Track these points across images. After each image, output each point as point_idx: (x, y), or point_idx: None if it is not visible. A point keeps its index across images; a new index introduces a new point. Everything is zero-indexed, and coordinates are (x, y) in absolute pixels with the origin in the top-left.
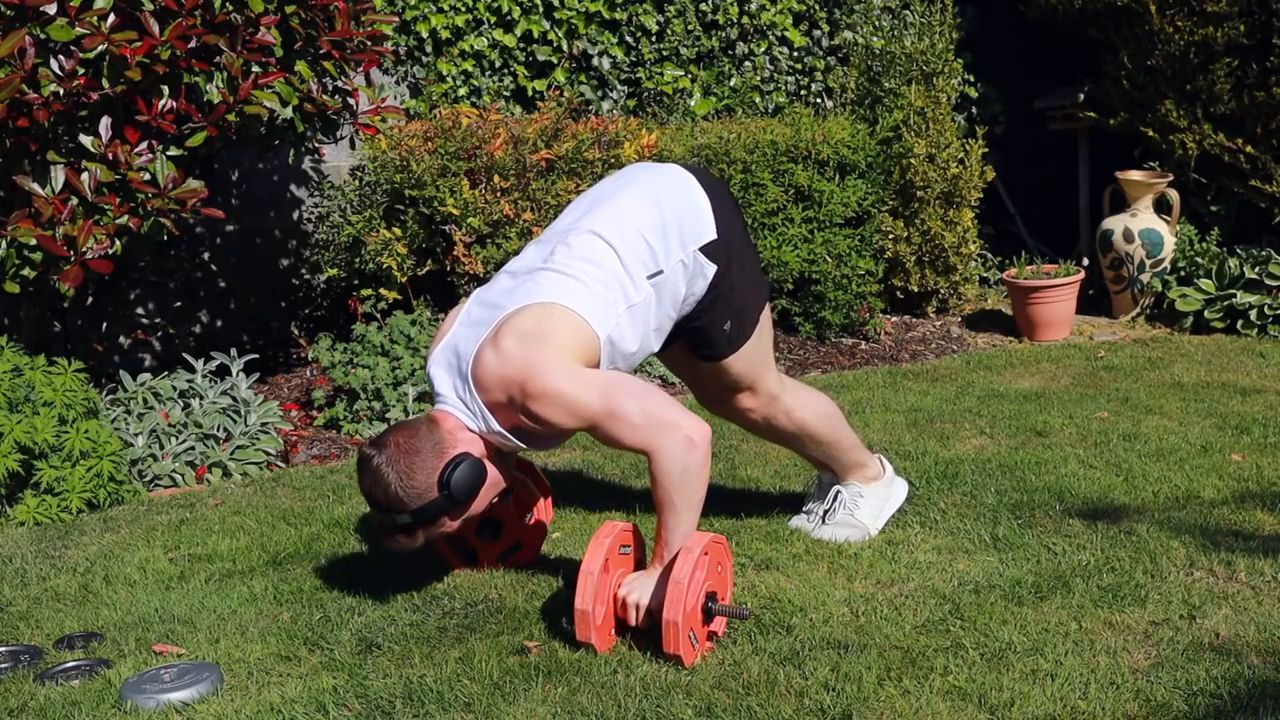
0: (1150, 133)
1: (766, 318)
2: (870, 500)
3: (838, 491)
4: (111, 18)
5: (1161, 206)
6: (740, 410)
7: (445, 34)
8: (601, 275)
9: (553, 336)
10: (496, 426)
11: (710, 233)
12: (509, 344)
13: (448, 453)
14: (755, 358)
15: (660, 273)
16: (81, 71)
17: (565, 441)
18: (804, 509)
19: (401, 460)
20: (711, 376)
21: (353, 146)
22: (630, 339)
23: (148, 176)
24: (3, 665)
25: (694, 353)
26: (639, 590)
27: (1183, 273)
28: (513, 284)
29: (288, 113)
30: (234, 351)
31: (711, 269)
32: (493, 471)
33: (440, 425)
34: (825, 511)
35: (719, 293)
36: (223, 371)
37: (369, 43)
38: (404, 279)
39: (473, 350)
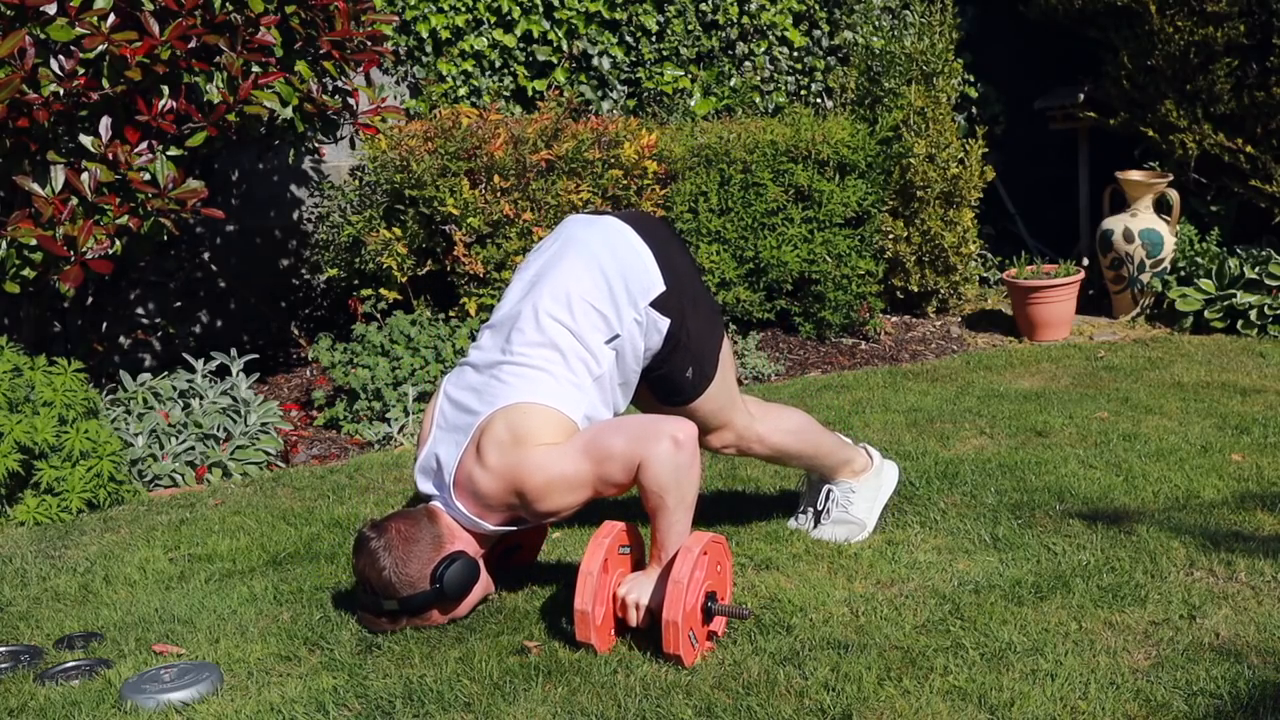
0: (1150, 133)
1: (726, 352)
2: (863, 494)
3: (829, 490)
4: (111, 18)
5: (1161, 206)
6: (715, 447)
7: (445, 34)
8: (562, 359)
9: (529, 436)
10: (490, 528)
11: (658, 285)
12: (493, 459)
13: (445, 547)
14: (721, 396)
15: (618, 336)
16: (81, 71)
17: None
18: (799, 510)
19: (399, 547)
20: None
21: (353, 146)
22: (603, 408)
23: (148, 176)
24: (3, 665)
25: (660, 400)
26: (638, 590)
27: (1183, 273)
28: (480, 381)
29: (288, 113)
30: (234, 351)
31: (665, 322)
32: (485, 577)
33: (439, 520)
34: (819, 512)
35: (676, 342)
36: (223, 371)
37: (369, 43)
38: (404, 279)
39: (454, 462)
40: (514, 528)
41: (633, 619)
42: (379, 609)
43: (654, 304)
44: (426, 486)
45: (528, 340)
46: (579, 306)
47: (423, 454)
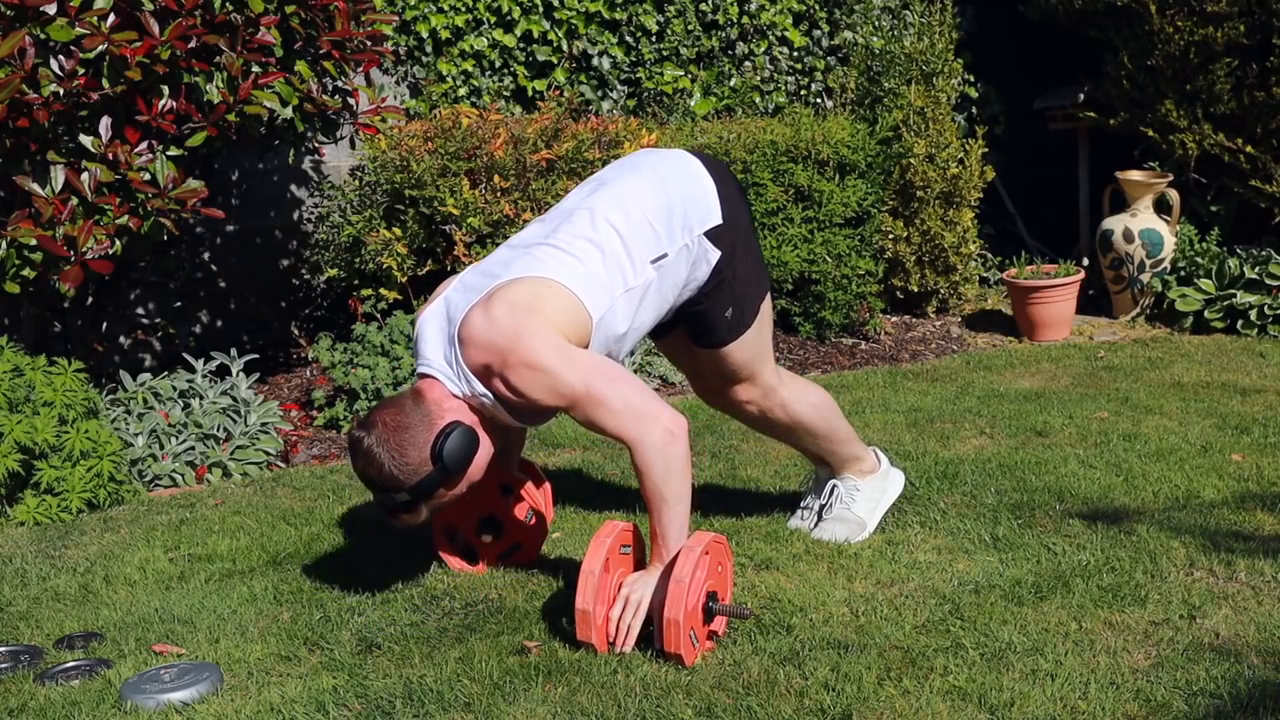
0: (1150, 133)
1: (767, 309)
2: (866, 494)
3: (834, 486)
4: (111, 18)
5: (1161, 206)
6: (737, 402)
7: (445, 34)
8: (601, 257)
9: (544, 309)
10: (480, 389)
11: (715, 218)
12: (500, 311)
13: (437, 424)
14: (755, 348)
15: (664, 256)
16: (81, 71)
17: (549, 420)
18: (801, 505)
19: (391, 438)
20: (710, 365)
21: (353, 146)
22: (622, 321)
23: (148, 176)
24: (3, 665)
25: (694, 340)
26: (640, 589)
27: (1183, 273)
28: (510, 255)
29: (288, 113)
30: (234, 351)
31: (715, 254)
32: (484, 439)
33: (426, 396)
34: (822, 506)
35: (722, 278)
36: (223, 371)
37: (369, 43)
38: (404, 279)
39: (464, 309)
40: (505, 414)
41: (627, 619)
42: (394, 504)
43: (708, 234)
44: (431, 342)
45: (575, 232)
46: (634, 216)
47: (430, 308)
